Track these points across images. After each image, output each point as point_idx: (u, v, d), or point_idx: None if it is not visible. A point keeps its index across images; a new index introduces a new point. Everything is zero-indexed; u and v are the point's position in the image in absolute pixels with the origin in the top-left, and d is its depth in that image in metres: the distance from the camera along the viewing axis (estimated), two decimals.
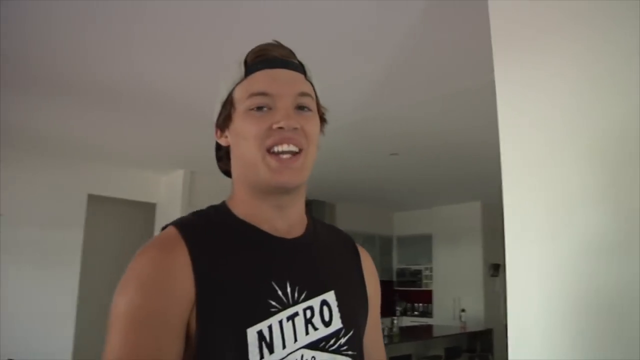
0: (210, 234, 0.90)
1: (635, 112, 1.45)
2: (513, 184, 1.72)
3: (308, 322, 0.89)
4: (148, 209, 6.69)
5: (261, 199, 0.93)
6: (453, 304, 8.19)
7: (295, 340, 0.86)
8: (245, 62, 0.94)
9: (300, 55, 0.99)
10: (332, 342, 0.91)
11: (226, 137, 0.97)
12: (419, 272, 9.30)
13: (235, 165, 0.97)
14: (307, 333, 0.88)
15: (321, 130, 0.99)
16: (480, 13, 2.27)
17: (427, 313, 8.83)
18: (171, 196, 6.48)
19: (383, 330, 5.04)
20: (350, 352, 0.93)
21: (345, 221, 8.90)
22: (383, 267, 9.34)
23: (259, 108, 0.90)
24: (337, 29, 2.85)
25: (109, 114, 4.35)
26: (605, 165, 1.52)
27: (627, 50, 1.51)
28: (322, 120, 1.00)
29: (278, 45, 0.97)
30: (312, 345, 0.88)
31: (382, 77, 3.54)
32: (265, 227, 0.93)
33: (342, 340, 0.93)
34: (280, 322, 0.85)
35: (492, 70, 1.80)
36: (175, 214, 6.08)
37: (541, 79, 1.70)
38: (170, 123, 4.60)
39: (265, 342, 0.83)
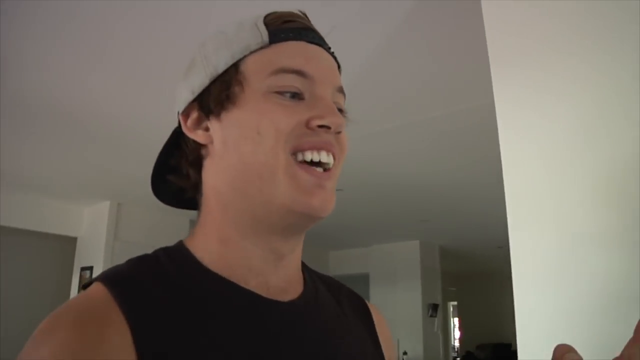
0: (163, 293, 0.56)
1: None
2: (518, 225, 1.51)
3: None
4: (68, 244, 6.05)
5: (256, 239, 0.61)
6: (394, 346, 7.99)
7: None
8: (266, 24, 0.63)
9: None
10: None
11: (207, 129, 0.63)
12: None
13: (219, 181, 0.62)
14: None
15: None
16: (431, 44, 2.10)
17: None
18: (95, 229, 5.90)
19: None
20: None
21: (338, 266, 8.68)
22: None
23: (293, 95, 0.59)
24: None
25: (24, 136, 3.83)
26: (618, 201, 1.33)
27: (637, 69, 1.34)
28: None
29: (304, 16, 0.66)
30: None
31: None
32: (252, 285, 0.60)
33: None
34: None
35: (441, 104, 1.60)
36: (98, 250, 5.65)
37: (543, 102, 1.51)
38: (97, 148, 4.13)
39: None
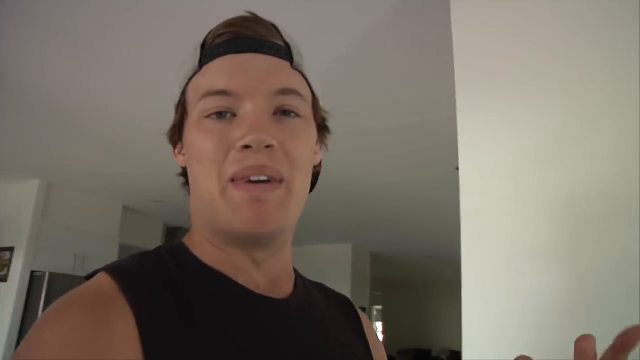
0: (167, 287, 0.57)
1: (601, 171, 1.40)
2: (471, 239, 1.57)
3: None
4: None
5: (229, 246, 0.62)
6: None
7: None
8: (203, 45, 0.63)
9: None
10: None
11: (183, 154, 0.66)
12: None
13: (192, 196, 0.65)
14: None
15: (322, 142, 0.70)
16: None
17: None
18: (20, 210, 5.62)
19: None
20: None
21: None
22: None
23: (219, 114, 0.59)
24: None
25: None
26: (561, 223, 1.44)
27: (597, 104, 1.47)
28: (323, 128, 0.69)
29: (253, 19, 0.64)
30: None
31: None
32: (241, 280, 0.62)
33: None
34: None
35: (393, 115, 1.66)
36: (23, 230, 5.39)
37: (505, 129, 1.60)
38: (27, 121, 3.90)
39: None
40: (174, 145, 0.67)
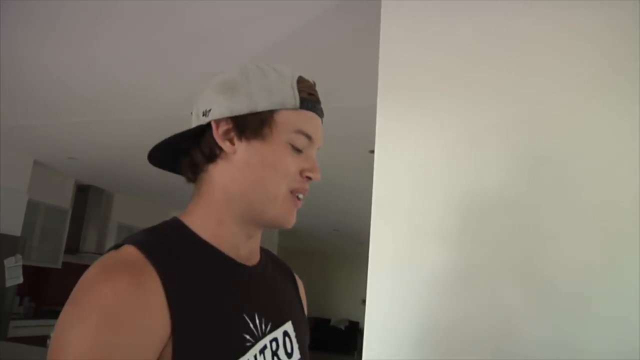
0: (178, 257, 0.79)
1: (496, 171, 1.69)
2: (378, 216, 1.82)
3: (274, 354, 0.85)
4: None
5: (241, 225, 0.87)
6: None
7: None
8: (299, 90, 0.87)
9: None
10: None
11: (233, 143, 0.86)
12: None
13: (231, 181, 0.86)
14: None
15: None
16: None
17: None
18: None
19: None
20: None
21: (121, 213, 8.48)
22: None
23: (297, 149, 0.86)
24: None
25: None
26: (462, 212, 1.72)
27: (497, 115, 1.73)
28: None
29: (315, 86, 0.93)
30: None
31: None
32: (230, 253, 0.86)
33: None
34: (255, 356, 0.80)
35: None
36: None
37: (421, 132, 1.83)
38: None
39: None
40: (234, 135, 0.85)
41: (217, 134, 0.85)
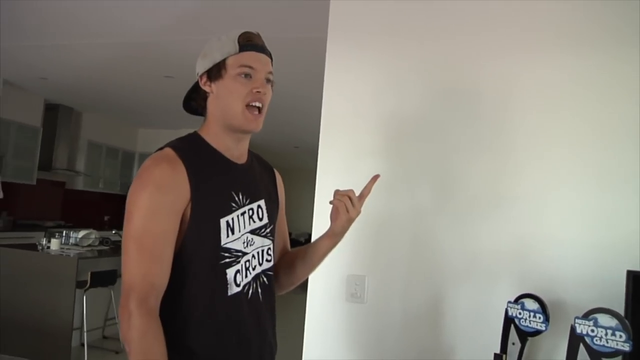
0: (195, 155, 1.32)
1: (413, 102, 2.15)
2: (326, 136, 2.27)
3: (250, 217, 1.39)
4: None
5: (228, 133, 1.37)
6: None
7: (244, 227, 1.36)
8: (239, 42, 1.34)
9: None
10: (262, 230, 1.43)
11: (210, 86, 1.36)
12: None
13: (215, 108, 1.37)
14: (249, 224, 1.39)
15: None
16: None
17: None
18: None
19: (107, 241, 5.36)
20: (271, 238, 1.47)
21: (90, 131, 8.71)
22: (122, 182, 9.43)
23: (246, 75, 1.33)
24: None
25: None
26: (389, 134, 2.18)
27: (410, 62, 2.17)
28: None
29: (257, 35, 1.39)
30: (252, 231, 1.39)
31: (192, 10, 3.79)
32: (227, 155, 1.38)
33: (268, 230, 1.46)
34: (237, 216, 1.34)
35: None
36: None
37: (361, 69, 2.25)
38: None
39: (230, 227, 1.32)
40: (209, 80, 1.36)
41: (201, 83, 1.38)
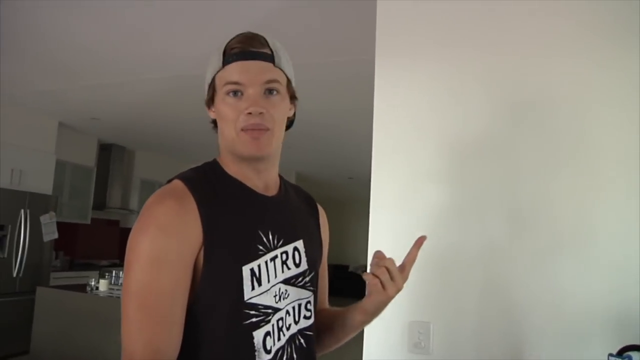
0: (210, 187, 1.06)
1: (479, 122, 1.88)
2: (379, 164, 2.02)
3: (283, 263, 1.11)
4: None
5: (240, 161, 1.11)
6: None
7: (275, 276, 1.08)
8: (224, 53, 1.09)
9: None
10: (299, 279, 1.15)
11: (213, 112, 1.14)
12: None
13: (220, 136, 1.14)
14: (282, 271, 1.10)
15: (292, 104, 1.17)
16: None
17: None
18: None
19: None
20: (311, 288, 1.18)
21: (143, 169, 8.78)
22: None
23: (234, 93, 1.07)
24: None
25: None
26: (453, 157, 1.92)
27: (473, 73, 1.92)
28: (293, 97, 1.16)
29: (250, 36, 1.10)
30: (286, 281, 1.11)
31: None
32: (249, 184, 1.12)
33: (307, 279, 1.17)
34: (266, 262, 1.07)
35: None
36: None
37: (415, 83, 2.01)
38: None
39: (255, 277, 1.04)
40: (209, 107, 1.14)
41: (208, 111, 1.15)
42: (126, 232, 8.83)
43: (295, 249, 1.15)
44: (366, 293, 1.18)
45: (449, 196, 1.90)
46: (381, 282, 1.12)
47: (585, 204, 1.71)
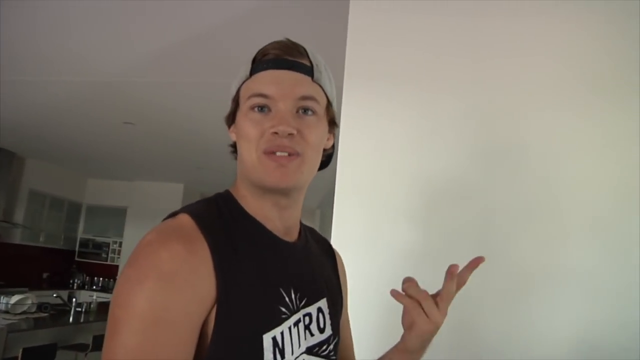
0: (225, 229, 0.84)
1: (446, 160, 1.83)
2: (343, 201, 1.89)
3: (307, 328, 0.90)
4: None
5: (259, 195, 0.90)
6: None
7: (299, 345, 0.87)
8: (254, 60, 0.90)
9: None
10: (324, 347, 0.94)
11: (234, 131, 0.93)
12: (106, 244, 8.92)
13: (238, 161, 0.92)
14: (305, 338, 0.89)
15: (331, 132, 0.96)
16: None
17: (107, 288, 8.49)
18: None
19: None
20: (334, 357, 0.98)
21: (33, 179, 8.04)
22: (66, 236, 8.68)
23: (260, 109, 0.87)
24: None
25: None
26: (421, 191, 1.84)
27: (453, 115, 1.87)
28: (332, 124, 0.96)
29: (288, 44, 0.91)
30: (309, 350, 0.90)
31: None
32: (269, 226, 0.90)
33: (331, 347, 0.96)
34: (289, 328, 0.85)
35: None
36: None
37: (382, 120, 1.92)
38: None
39: (278, 347, 0.82)
40: (229, 126, 0.94)
41: (229, 130, 0.96)
42: (7, 247, 7.95)
43: (320, 310, 0.95)
44: (403, 326, 0.97)
45: (414, 238, 1.82)
46: (424, 312, 0.91)
47: (554, 248, 1.70)
